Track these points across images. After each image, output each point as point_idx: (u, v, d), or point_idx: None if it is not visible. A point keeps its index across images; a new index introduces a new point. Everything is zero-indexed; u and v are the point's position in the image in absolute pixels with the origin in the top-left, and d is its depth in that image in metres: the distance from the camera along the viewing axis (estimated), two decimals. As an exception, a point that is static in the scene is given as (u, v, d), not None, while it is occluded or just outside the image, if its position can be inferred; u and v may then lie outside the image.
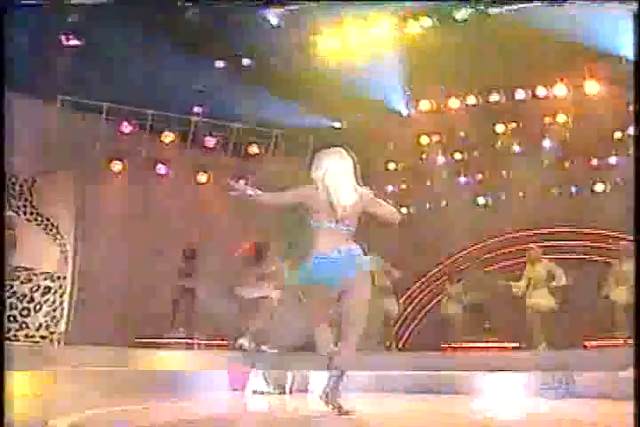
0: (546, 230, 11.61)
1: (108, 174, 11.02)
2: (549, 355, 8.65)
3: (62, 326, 9.82)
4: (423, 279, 12.80)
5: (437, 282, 12.52)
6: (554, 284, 9.55)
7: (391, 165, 13.19)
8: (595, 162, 11.77)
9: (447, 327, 11.31)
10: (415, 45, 10.17)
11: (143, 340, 9.84)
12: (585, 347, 9.03)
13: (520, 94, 11.56)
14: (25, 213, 9.89)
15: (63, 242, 10.13)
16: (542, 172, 11.92)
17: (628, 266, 8.96)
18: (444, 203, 13.03)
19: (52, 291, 9.85)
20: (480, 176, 12.79)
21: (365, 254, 4.64)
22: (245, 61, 10.90)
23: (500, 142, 12.25)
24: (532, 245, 10.15)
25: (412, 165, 13.11)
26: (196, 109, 11.56)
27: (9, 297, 9.26)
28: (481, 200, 12.80)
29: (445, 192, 12.91)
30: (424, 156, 12.88)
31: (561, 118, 11.65)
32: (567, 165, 11.95)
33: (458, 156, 12.75)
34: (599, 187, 11.72)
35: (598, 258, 10.82)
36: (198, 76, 10.40)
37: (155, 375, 8.17)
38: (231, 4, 9.26)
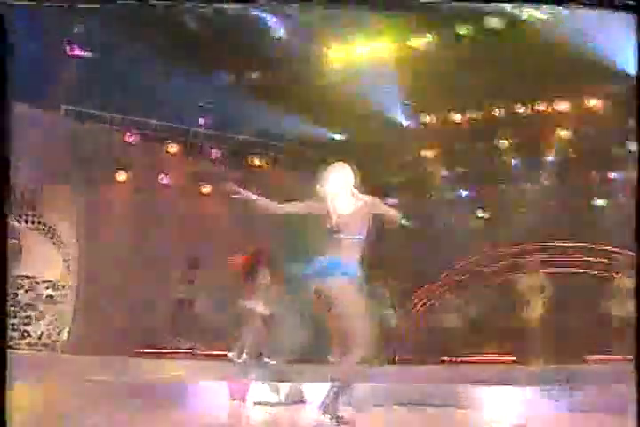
0: (545, 244, 11.66)
1: (112, 184, 11.07)
2: (549, 368, 8.64)
3: (64, 335, 9.82)
4: (423, 292, 12.83)
5: (437, 295, 12.55)
6: (542, 295, 9.59)
7: (392, 178, 13.24)
8: (595, 176, 11.83)
9: (447, 340, 11.32)
10: (417, 59, 10.24)
11: (144, 350, 9.84)
12: (585, 361, 9.04)
13: (521, 109, 11.63)
14: (28, 222, 9.93)
15: (66, 251, 10.17)
16: (542, 186, 11.97)
17: (628, 280, 8.99)
18: (444, 216, 13.07)
19: (55, 299, 9.86)
20: (480, 190, 12.84)
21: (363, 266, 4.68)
22: (248, 74, 10.99)
23: (500, 156, 12.32)
24: (530, 258, 10.19)
25: (413, 178, 13.18)
26: (200, 121, 11.65)
27: (11, 305, 9.28)
28: (481, 214, 12.83)
29: (445, 205, 12.95)
30: (425, 169, 12.94)
31: (562, 133, 11.72)
32: (567, 179, 12.01)
33: (458, 169, 12.81)
34: (599, 201, 11.77)
35: (598, 272, 10.86)
36: (202, 88, 10.47)
37: (155, 385, 8.16)
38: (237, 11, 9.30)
